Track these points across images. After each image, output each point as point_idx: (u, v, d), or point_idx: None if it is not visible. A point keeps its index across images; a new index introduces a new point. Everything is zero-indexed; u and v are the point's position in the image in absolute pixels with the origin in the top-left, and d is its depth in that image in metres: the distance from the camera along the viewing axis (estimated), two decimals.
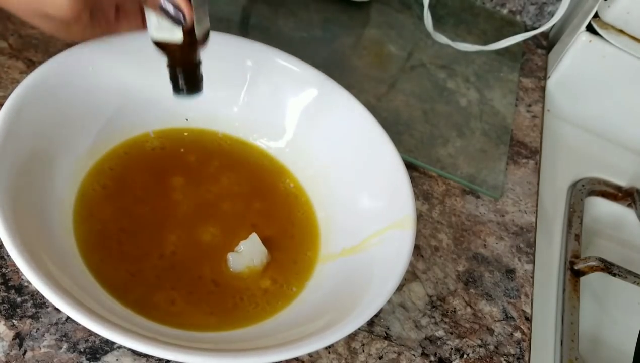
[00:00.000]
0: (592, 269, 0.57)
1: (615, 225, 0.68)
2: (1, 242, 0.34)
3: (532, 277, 0.53)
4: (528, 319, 0.50)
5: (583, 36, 0.69)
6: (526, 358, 0.47)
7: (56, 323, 0.38)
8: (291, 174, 0.51)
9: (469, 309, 0.49)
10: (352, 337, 0.44)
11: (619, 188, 0.68)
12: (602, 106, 0.73)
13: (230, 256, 0.43)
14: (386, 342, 0.44)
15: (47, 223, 0.39)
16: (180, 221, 0.45)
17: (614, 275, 0.57)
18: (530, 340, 0.49)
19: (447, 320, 0.47)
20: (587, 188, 0.66)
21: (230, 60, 0.50)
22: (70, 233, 0.41)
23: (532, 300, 0.51)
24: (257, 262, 0.43)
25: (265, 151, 0.52)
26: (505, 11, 0.83)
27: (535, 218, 0.58)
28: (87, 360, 0.37)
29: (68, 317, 0.38)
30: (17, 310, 0.38)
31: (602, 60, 0.70)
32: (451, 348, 0.46)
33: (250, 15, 0.68)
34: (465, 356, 0.46)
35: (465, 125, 0.65)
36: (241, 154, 0.51)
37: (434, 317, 0.47)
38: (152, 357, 0.39)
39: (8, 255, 0.38)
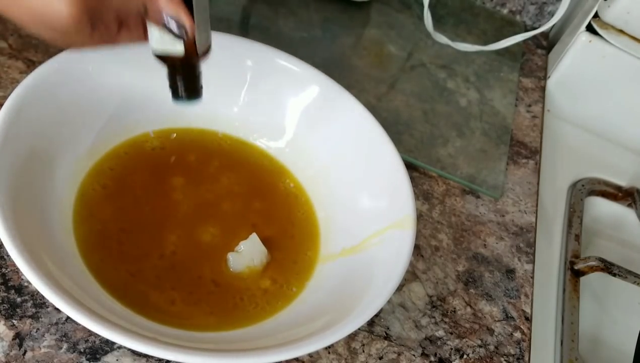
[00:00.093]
0: (592, 269, 0.57)
1: (615, 225, 0.68)
2: (1, 242, 0.34)
3: (532, 277, 0.53)
4: (528, 319, 0.50)
5: (583, 36, 0.69)
6: (526, 358, 0.47)
7: (56, 323, 0.38)
8: (291, 174, 0.51)
9: (469, 309, 0.49)
10: (352, 337, 0.44)
11: (619, 188, 0.68)
12: (602, 106, 0.73)
13: (230, 256, 0.43)
14: (386, 342, 0.44)
15: (47, 223, 0.39)
16: (180, 221, 0.45)
17: (614, 275, 0.57)
18: (530, 340, 0.49)
19: (447, 320, 0.47)
20: (587, 188, 0.66)
21: (230, 60, 0.50)
22: (70, 233, 0.41)
23: (532, 300, 0.51)
24: (257, 262, 0.43)
25: (265, 151, 0.52)
26: (505, 11, 0.83)
27: (535, 218, 0.58)
28: (87, 360, 0.37)
29: (68, 317, 0.38)
30: (17, 310, 0.38)
31: (602, 60, 0.70)
32: (451, 348, 0.46)
33: (250, 15, 0.68)
34: (465, 356, 0.46)
35: (465, 125, 0.65)
36: (241, 154, 0.51)
37: (434, 317, 0.47)
38: (152, 357, 0.39)
39: (8, 255, 0.38)
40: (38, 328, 0.38)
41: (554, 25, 0.72)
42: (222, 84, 0.50)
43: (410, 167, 0.57)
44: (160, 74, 0.42)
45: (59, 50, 0.42)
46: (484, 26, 0.80)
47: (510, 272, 0.53)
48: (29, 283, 0.39)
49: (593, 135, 0.74)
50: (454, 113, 0.65)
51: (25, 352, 0.36)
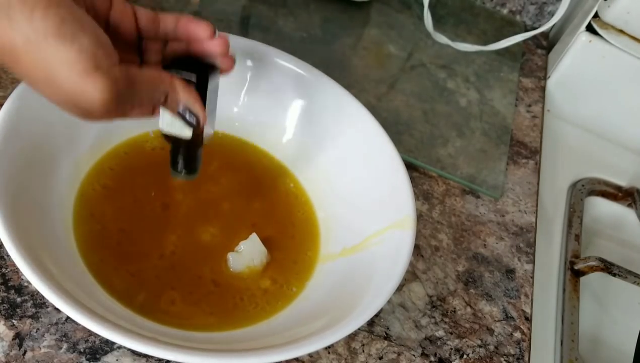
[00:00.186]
0: (592, 269, 0.57)
1: (615, 225, 0.68)
2: (1, 242, 0.34)
3: (532, 277, 0.53)
4: (528, 319, 0.50)
5: (583, 36, 0.69)
6: (526, 358, 0.47)
7: (56, 323, 0.38)
8: (291, 174, 0.51)
9: (469, 309, 0.49)
10: (352, 337, 0.44)
11: (619, 188, 0.68)
12: (602, 106, 0.73)
13: (230, 256, 0.43)
14: (386, 342, 0.44)
15: (47, 224, 0.39)
16: (180, 221, 0.45)
17: (614, 275, 0.57)
18: (530, 340, 0.49)
19: (447, 320, 0.47)
20: (587, 188, 0.66)
21: None
22: (70, 233, 0.41)
23: (532, 300, 0.51)
24: (257, 262, 0.43)
25: (265, 151, 0.52)
26: (505, 11, 0.83)
27: (535, 218, 0.58)
28: (87, 360, 0.37)
29: (68, 317, 0.38)
30: (17, 310, 0.38)
31: (602, 60, 0.70)
32: (451, 348, 0.46)
33: (250, 15, 0.68)
34: (465, 356, 0.46)
35: (465, 125, 0.65)
36: (241, 154, 0.51)
37: (434, 317, 0.47)
38: (152, 357, 0.39)
39: (8, 255, 0.38)
40: (38, 328, 0.38)
41: (554, 25, 0.72)
42: (222, 83, 0.50)
43: (410, 167, 0.57)
44: None
45: None
46: (484, 26, 0.80)
47: (510, 272, 0.53)
48: (29, 283, 0.39)
49: (593, 135, 0.74)
50: (454, 113, 0.65)
51: (25, 352, 0.36)
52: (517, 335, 0.48)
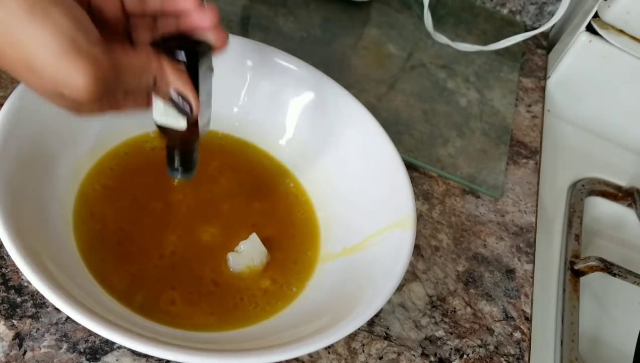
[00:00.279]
0: (592, 269, 0.57)
1: (615, 225, 0.68)
2: (1, 242, 0.34)
3: (532, 277, 0.53)
4: (528, 319, 0.50)
5: (583, 36, 0.69)
6: (526, 358, 0.47)
7: (56, 323, 0.38)
8: (291, 174, 0.51)
9: (469, 309, 0.49)
10: (352, 337, 0.44)
11: (619, 188, 0.68)
12: (602, 106, 0.73)
13: (230, 256, 0.43)
14: (386, 342, 0.44)
15: (47, 224, 0.39)
16: (180, 221, 0.45)
17: (614, 275, 0.57)
18: (530, 340, 0.49)
19: (447, 320, 0.47)
20: (587, 188, 0.66)
21: (230, 60, 0.50)
22: (70, 233, 0.41)
23: (532, 300, 0.51)
24: (257, 262, 0.43)
25: (265, 151, 0.52)
26: (505, 11, 0.83)
27: (535, 218, 0.58)
28: (87, 360, 0.37)
29: (68, 317, 0.38)
30: (17, 310, 0.38)
31: (602, 60, 0.70)
32: (451, 348, 0.46)
33: (250, 15, 0.68)
34: (465, 356, 0.46)
35: (465, 125, 0.65)
36: (241, 154, 0.51)
37: (434, 317, 0.47)
38: (152, 357, 0.39)
39: (8, 255, 0.38)
40: (38, 328, 0.38)
41: (554, 25, 0.72)
42: (222, 83, 0.50)
43: (410, 167, 0.57)
44: None
45: None
46: (484, 26, 0.80)
47: (510, 272, 0.53)
48: (29, 283, 0.39)
49: (593, 135, 0.74)
50: (454, 113, 0.65)
51: (25, 352, 0.36)
52: (517, 335, 0.48)
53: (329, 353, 0.42)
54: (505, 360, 0.46)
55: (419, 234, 0.52)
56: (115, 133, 0.47)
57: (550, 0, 0.80)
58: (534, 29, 0.73)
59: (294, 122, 0.51)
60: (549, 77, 0.75)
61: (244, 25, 0.66)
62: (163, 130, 0.37)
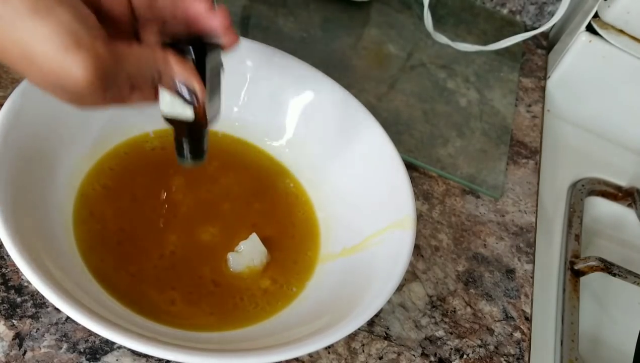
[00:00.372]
0: (592, 269, 0.57)
1: (615, 225, 0.68)
2: (1, 242, 0.34)
3: (532, 277, 0.53)
4: (528, 319, 0.50)
5: (583, 36, 0.69)
6: (526, 358, 0.47)
7: (56, 323, 0.38)
8: (291, 174, 0.51)
9: (469, 309, 0.49)
10: (352, 337, 0.44)
11: (619, 188, 0.68)
12: (602, 106, 0.73)
13: (230, 256, 0.43)
14: (386, 342, 0.44)
15: (47, 223, 0.39)
16: (180, 221, 0.45)
17: (614, 275, 0.57)
18: (530, 340, 0.49)
19: (447, 320, 0.47)
20: (587, 188, 0.66)
21: (230, 60, 0.50)
22: (70, 233, 0.41)
23: (532, 300, 0.51)
24: (257, 262, 0.43)
25: (265, 151, 0.52)
26: (505, 11, 0.83)
27: (535, 218, 0.58)
28: (87, 360, 0.37)
29: (68, 317, 0.38)
30: (17, 310, 0.38)
31: (602, 60, 0.70)
32: (451, 348, 0.46)
33: (250, 15, 0.68)
34: (465, 356, 0.46)
35: (465, 125, 0.65)
36: (241, 154, 0.51)
37: (434, 317, 0.47)
38: (152, 357, 0.39)
39: (8, 255, 0.38)
40: (38, 328, 0.38)
41: (554, 25, 0.72)
42: (222, 84, 0.50)
43: (410, 167, 0.57)
44: None
45: None
46: (484, 26, 0.80)
47: (510, 272, 0.53)
48: (29, 283, 0.39)
49: (593, 135, 0.74)
50: (454, 113, 0.65)
51: (25, 352, 0.36)
52: (517, 335, 0.48)
53: (329, 353, 0.42)
54: (505, 360, 0.46)
55: (419, 234, 0.52)
56: (115, 133, 0.47)
57: (550, 0, 0.80)
58: (534, 29, 0.73)
59: (294, 122, 0.51)
60: (549, 77, 0.75)
61: (244, 25, 0.66)
62: (171, 121, 0.37)
